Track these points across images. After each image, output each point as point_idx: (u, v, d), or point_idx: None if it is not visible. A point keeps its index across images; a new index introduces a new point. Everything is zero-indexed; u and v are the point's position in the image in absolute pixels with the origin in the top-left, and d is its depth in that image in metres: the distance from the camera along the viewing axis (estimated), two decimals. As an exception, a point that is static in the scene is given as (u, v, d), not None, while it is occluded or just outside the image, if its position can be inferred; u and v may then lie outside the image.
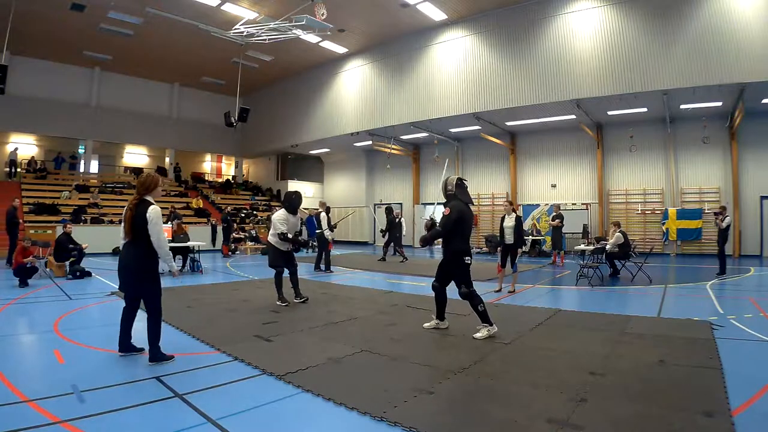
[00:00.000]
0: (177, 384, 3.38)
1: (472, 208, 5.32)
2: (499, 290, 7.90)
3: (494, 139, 17.51)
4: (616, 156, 16.38)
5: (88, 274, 9.49)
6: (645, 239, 15.24)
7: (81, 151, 22.05)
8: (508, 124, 17.06)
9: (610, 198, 16.42)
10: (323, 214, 10.91)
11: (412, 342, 4.65)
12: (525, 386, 3.38)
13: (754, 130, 13.89)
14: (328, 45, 17.90)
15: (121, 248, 4.06)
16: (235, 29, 14.40)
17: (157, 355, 3.89)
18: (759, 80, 10.76)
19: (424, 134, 18.57)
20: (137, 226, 3.82)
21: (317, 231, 10.76)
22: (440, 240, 5.14)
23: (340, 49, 18.53)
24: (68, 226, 10.49)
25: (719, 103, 13.22)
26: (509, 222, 7.67)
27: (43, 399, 3.04)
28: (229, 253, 16.33)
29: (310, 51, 18.50)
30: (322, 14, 12.51)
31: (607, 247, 9.37)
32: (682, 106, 13.65)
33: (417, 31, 16.49)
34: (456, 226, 4.83)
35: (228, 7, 14.52)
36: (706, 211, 14.23)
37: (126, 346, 4.08)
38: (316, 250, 11.72)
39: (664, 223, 15.06)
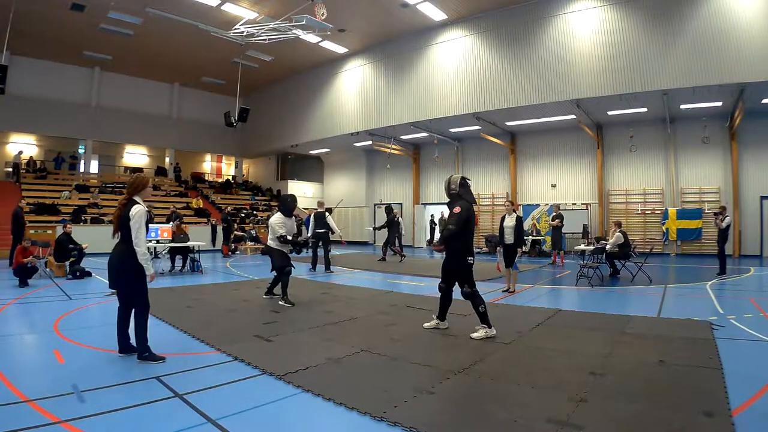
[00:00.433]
0: (177, 384, 3.38)
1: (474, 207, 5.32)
2: (507, 289, 7.90)
3: (494, 139, 17.52)
4: (616, 156, 16.38)
5: (88, 274, 9.48)
6: (645, 239, 15.24)
7: (81, 151, 22.05)
8: (508, 124, 17.07)
9: (610, 198, 16.42)
10: (328, 214, 10.99)
11: (412, 342, 4.65)
12: (525, 386, 3.38)
13: (754, 130, 13.88)
14: (328, 45, 17.90)
15: None
16: (235, 29, 14.40)
17: (144, 353, 3.92)
18: (759, 80, 10.76)
19: (424, 134, 18.57)
20: (123, 226, 3.91)
21: (320, 231, 10.74)
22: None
23: (340, 49, 18.53)
24: (68, 226, 10.49)
25: (719, 103, 13.22)
26: (509, 222, 7.66)
27: (43, 399, 3.04)
28: (229, 253, 16.33)
29: (310, 51, 18.50)
30: (322, 14, 12.51)
31: (607, 247, 9.37)
32: (682, 106, 13.65)
33: (417, 31, 16.50)
34: (464, 226, 4.83)
35: (228, 7, 14.53)
36: (706, 211, 14.23)
37: (125, 346, 4.08)
38: (310, 251, 11.77)
39: (664, 223, 15.06)
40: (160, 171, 24.45)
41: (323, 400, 3.11)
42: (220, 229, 17.75)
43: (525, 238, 14.31)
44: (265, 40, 14.44)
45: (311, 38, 16.56)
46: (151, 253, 9.89)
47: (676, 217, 14.83)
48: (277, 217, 6.74)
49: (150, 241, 9.88)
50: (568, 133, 17.00)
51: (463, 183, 5.07)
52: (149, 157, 25.67)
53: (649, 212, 15.66)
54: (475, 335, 4.75)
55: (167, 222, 11.76)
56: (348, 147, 22.39)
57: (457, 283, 4.95)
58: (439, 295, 5.12)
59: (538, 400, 3.11)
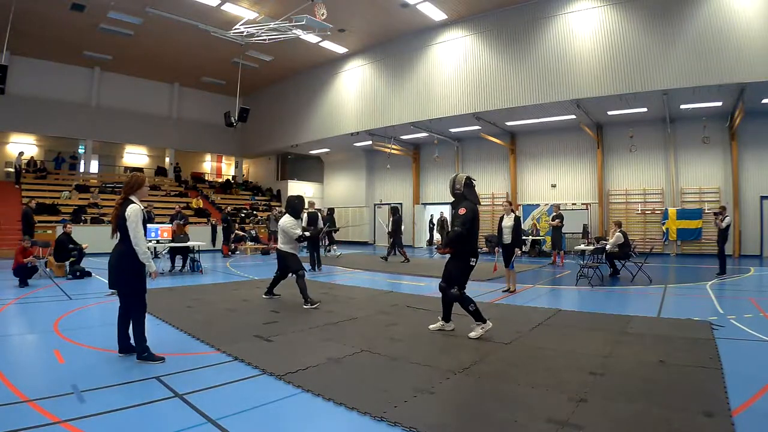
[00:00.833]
0: (177, 384, 3.38)
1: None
2: (508, 289, 7.90)
3: (494, 139, 17.52)
4: (616, 156, 16.38)
5: (88, 274, 9.48)
6: (645, 239, 15.24)
7: (81, 151, 22.05)
8: (508, 124, 17.06)
9: (610, 198, 16.42)
10: (318, 215, 11.54)
11: (412, 342, 4.65)
12: (525, 386, 3.38)
13: (754, 130, 13.88)
14: (328, 45, 17.90)
15: None
16: (235, 29, 14.40)
17: (143, 353, 3.92)
18: (759, 80, 10.76)
19: (424, 134, 18.57)
20: (120, 226, 3.93)
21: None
22: (439, 239, 5.13)
23: (340, 49, 18.53)
24: (68, 226, 10.49)
25: (719, 103, 13.22)
26: (508, 222, 7.68)
27: (43, 399, 3.04)
28: (229, 253, 16.33)
29: (310, 51, 18.50)
30: (322, 14, 12.50)
31: (607, 247, 9.37)
32: (682, 106, 13.65)
33: (417, 31, 16.50)
34: (470, 226, 4.77)
35: (228, 7, 14.53)
36: (706, 211, 14.23)
37: (125, 346, 4.09)
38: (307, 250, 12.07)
39: (664, 223, 15.06)
40: (160, 171, 24.44)
41: (323, 400, 3.11)
42: (220, 229, 17.76)
43: (524, 238, 14.36)
44: (265, 40, 14.44)
45: (311, 38, 16.56)
46: (150, 253, 9.97)
47: (676, 217, 14.83)
48: (287, 220, 6.74)
49: (150, 241, 9.88)
50: (568, 133, 17.00)
51: (468, 183, 5.03)
52: (149, 157, 25.66)
53: (649, 212, 15.66)
54: (472, 335, 4.74)
55: (170, 222, 11.75)
56: (348, 147, 22.39)
57: (444, 281, 4.90)
58: (440, 295, 5.09)
59: (538, 400, 3.11)
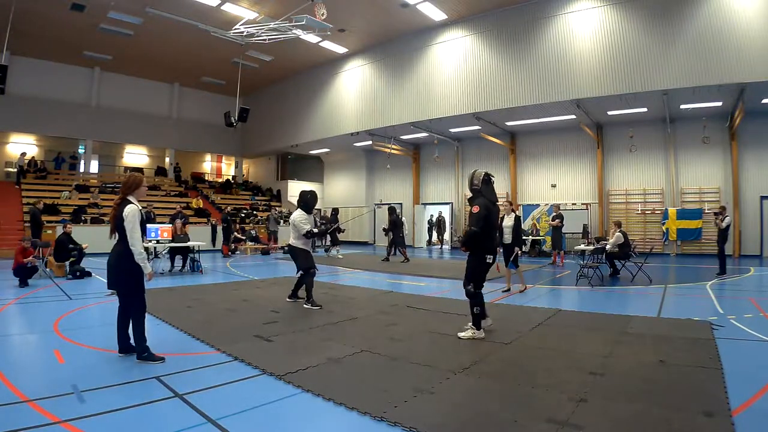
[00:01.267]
0: (177, 384, 3.38)
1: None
2: (507, 289, 7.91)
3: (494, 139, 17.52)
4: (616, 156, 16.38)
5: (88, 274, 9.48)
6: (645, 239, 15.24)
7: (81, 151, 22.05)
8: (508, 124, 17.06)
9: (610, 198, 16.42)
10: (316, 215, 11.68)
11: (412, 342, 4.65)
12: (525, 386, 3.38)
13: (754, 130, 13.89)
14: (328, 45, 17.90)
15: None
16: (235, 29, 14.40)
17: (143, 353, 3.92)
18: (759, 80, 10.76)
19: (424, 134, 18.57)
20: (118, 226, 3.93)
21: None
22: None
23: (340, 49, 18.53)
24: (68, 226, 10.49)
25: (719, 103, 13.22)
26: (508, 222, 7.69)
27: (43, 399, 3.04)
28: (229, 253, 16.33)
29: (310, 51, 18.50)
30: (322, 14, 12.51)
31: (607, 247, 9.37)
32: (682, 106, 13.65)
33: (417, 31, 16.49)
34: (484, 224, 4.74)
35: (228, 7, 14.53)
36: (706, 211, 14.23)
37: (125, 346, 4.08)
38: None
39: (664, 223, 15.05)
40: (160, 171, 24.44)
41: (323, 400, 3.11)
42: (220, 229, 17.75)
43: (525, 238, 14.36)
44: (265, 40, 14.44)
45: (311, 38, 16.56)
46: (150, 253, 9.99)
47: (676, 217, 14.83)
48: (298, 214, 6.53)
49: (150, 241, 9.88)
50: (568, 133, 17.00)
51: (486, 180, 4.92)
52: (149, 157, 25.66)
53: (649, 212, 15.66)
54: (462, 334, 4.73)
55: (171, 221, 11.75)
56: (348, 147, 22.39)
57: (464, 278, 4.89)
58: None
59: (538, 400, 3.11)
